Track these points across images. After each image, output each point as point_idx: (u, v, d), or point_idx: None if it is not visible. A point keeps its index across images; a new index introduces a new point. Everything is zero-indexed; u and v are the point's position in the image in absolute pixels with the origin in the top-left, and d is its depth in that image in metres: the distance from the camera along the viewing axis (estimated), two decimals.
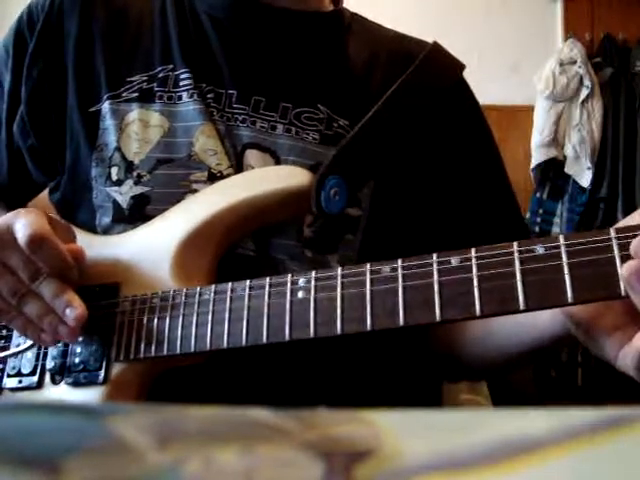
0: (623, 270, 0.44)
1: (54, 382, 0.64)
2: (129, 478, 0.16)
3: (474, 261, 0.49)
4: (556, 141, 2.84)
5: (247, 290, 0.57)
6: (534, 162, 2.84)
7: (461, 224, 0.75)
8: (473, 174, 0.77)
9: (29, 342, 0.65)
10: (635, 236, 0.44)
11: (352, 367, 0.70)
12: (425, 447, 0.18)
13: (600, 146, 2.83)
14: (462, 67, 0.78)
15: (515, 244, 0.48)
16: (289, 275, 0.56)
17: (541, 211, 2.86)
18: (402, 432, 0.19)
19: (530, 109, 2.90)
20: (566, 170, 2.84)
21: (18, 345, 0.67)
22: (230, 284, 0.59)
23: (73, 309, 0.59)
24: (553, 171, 2.87)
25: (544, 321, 0.58)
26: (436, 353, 0.76)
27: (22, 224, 0.59)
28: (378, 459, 0.17)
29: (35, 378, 0.65)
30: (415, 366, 0.76)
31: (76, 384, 0.63)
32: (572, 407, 0.19)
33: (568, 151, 2.82)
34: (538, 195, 2.86)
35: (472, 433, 0.18)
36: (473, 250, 0.50)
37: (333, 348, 0.65)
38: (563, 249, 0.46)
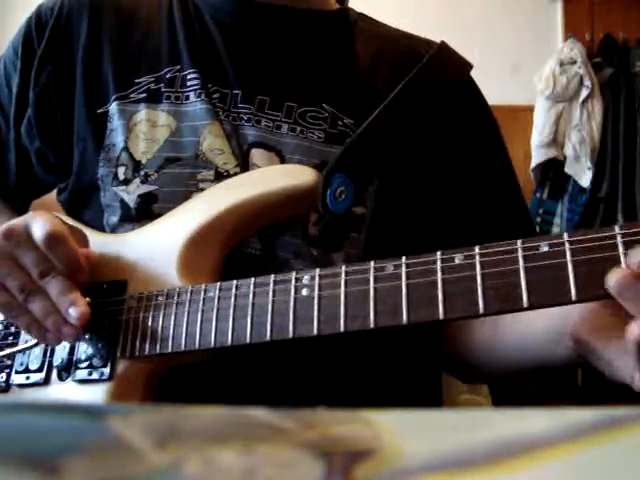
0: (610, 277, 0.44)
1: (61, 379, 0.65)
2: (129, 478, 0.16)
3: (478, 258, 0.49)
4: (556, 141, 2.83)
5: (252, 287, 0.57)
6: (534, 162, 2.84)
7: (467, 222, 0.75)
8: (480, 173, 0.77)
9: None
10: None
11: (352, 367, 0.70)
12: (425, 447, 0.18)
13: (600, 146, 2.83)
14: (470, 66, 0.78)
15: (519, 242, 0.48)
16: (294, 273, 0.56)
17: (541, 211, 2.86)
18: (402, 432, 0.19)
19: (530, 109, 2.90)
20: (566, 170, 2.84)
21: (26, 342, 0.67)
22: (235, 282, 0.59)
23: (76, 308, 0.59)
24: (553, 171, 2.87)
25: (545, 346, 0.58)
26: (447, 356, 0.76)
27: (40, 223, 0.60)
28: (378, 459, 0.17)
29: (42, 375, 0.65)
30: (415, 365, 0.76)
31: (82, 381, 0.63)
32: (572, 407, 0.19)
33: (568, 151, 2.82)
34: (538, 195, 2.86)
35: (472, 433, 0.18)
36: (477, 248, 0.49)
37: (334, 348, 0.65)
38: (567, 247, 0.46)
